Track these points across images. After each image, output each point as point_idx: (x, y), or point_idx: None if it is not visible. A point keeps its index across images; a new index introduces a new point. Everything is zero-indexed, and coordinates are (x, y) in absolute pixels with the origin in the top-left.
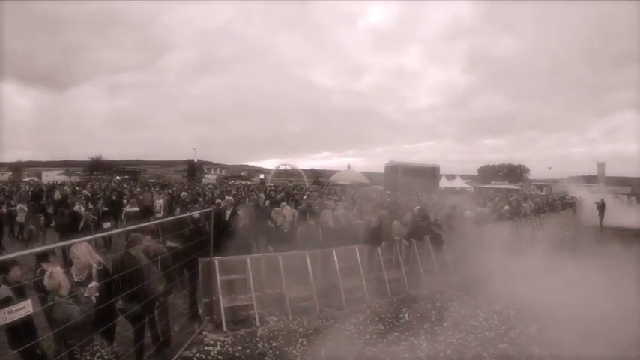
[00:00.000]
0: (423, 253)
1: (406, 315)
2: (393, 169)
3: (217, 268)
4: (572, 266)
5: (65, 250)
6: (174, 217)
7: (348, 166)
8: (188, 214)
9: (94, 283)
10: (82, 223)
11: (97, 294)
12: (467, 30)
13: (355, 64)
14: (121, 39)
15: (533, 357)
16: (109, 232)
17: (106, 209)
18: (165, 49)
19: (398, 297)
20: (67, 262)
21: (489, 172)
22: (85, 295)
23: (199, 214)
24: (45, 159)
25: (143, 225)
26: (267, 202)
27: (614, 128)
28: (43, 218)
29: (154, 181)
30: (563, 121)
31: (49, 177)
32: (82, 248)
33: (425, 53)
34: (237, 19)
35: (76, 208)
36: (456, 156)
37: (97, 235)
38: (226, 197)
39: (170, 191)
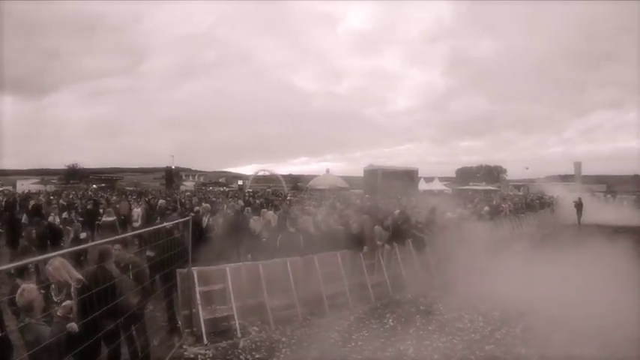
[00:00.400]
0: (405, 256)
1: (390, 320)
2: (372, 173)
3: (196, 279)
4: (554, 264)
5: (38, 266)
6: (149, 228)
7: (327, 171)
8: (164, 224)
9: (67, 302)
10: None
11: (71, 315)
12: (447, 32)
13: (335, 67)
14: (99, 44)
15: (520, 358)
16: (84, 246)
17: (81, 219)
18: (144, 54)
19: (381, 302)
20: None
21: (467, 174)
22: (58, 314)
23: (176, 223)
24: (21, 167)
25: (118, 237)
26: (248, 208)
27: (591, 128)
28: (34, 231)
29: (131, 188)
30: (540, 122)
31: (24, 186)
32: (55, 264)
33: (404, 56)
34: (218, 23)
35: (50, 218)
36: (435, 158)
37: (72, 249)
38: (203, 204)
39: (147, 199)
